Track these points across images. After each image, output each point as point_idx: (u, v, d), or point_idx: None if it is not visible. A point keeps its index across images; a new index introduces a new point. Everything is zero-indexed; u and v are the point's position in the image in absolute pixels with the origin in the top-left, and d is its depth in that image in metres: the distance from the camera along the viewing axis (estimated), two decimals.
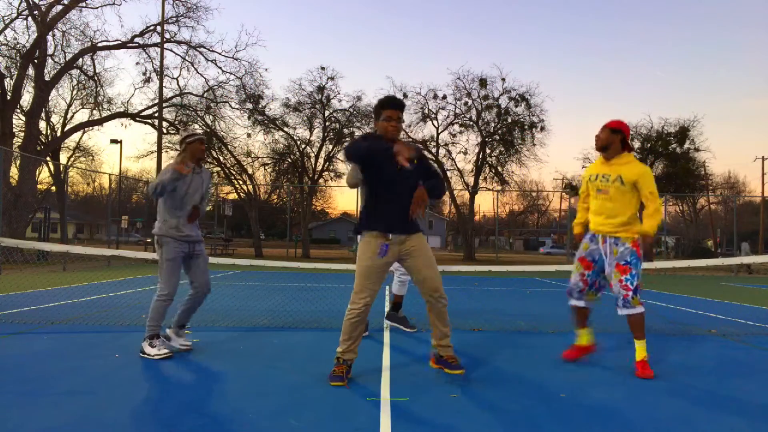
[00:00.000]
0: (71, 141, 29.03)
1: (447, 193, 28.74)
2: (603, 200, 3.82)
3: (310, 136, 27.86)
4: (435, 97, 28.54)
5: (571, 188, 32.16)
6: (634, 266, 3.71)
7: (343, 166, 28.58)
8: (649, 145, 29.55)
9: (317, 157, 27.85)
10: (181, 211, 4.05)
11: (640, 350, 3.75)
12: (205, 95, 25.06)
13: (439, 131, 29.03)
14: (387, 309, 5.73)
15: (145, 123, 24.07)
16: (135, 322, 5.50)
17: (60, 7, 19.10)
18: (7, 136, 17.44)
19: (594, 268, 3.94)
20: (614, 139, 3.79)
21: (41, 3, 18.88)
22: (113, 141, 28.33)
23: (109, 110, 24.06)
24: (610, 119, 3.89)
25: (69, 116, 27.21)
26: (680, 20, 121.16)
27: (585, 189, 4.09)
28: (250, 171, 27.98)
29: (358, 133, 27.45)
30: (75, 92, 25.85)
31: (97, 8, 21.39)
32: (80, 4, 19.76)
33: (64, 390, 3.06)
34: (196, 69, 24.27)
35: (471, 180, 28.90)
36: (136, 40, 22.11)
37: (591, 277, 3.98)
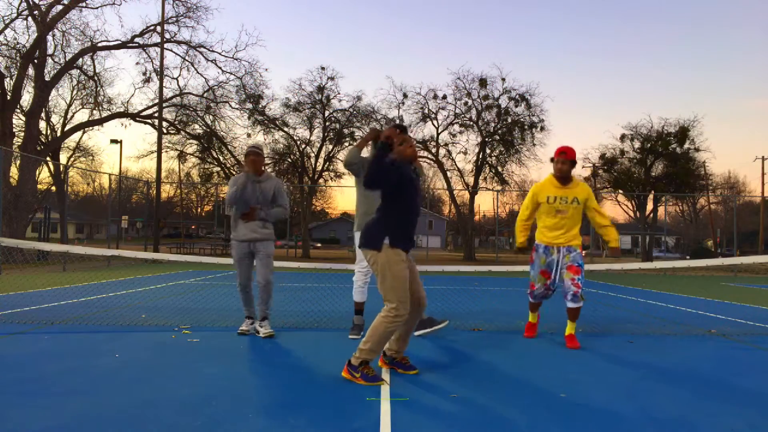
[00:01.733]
0: (71, 141, 29.03)
1: (447, 192, 28.67)
2: (561, 218, 4.57)
3: (310, 136, 27.88)
4: (435, 97, 28.54)
5: None
6: (582, 268, 4.53)
7: (342, 167, 28.59)
8: (649, 145, 29.54)
9: (317, 157, 27.86)
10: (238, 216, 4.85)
11: (571, 327, 4.65)
12: (205, 95, 25.06)
13: (439, 131, 29.04)
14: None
15: (145, 123, 24.06)
16: (135, 322, 5.50)
17: (60, 7, 19.09)
18: (7, 136, 17.43)
19: (551, 278, 4.71)
20: (572, 168, 4.57)
21: (41, 3, 18.87)
22: (113, 141, 28.32)
23: (109, 110, 24.06)
24: (563, 146, 4.59)
25: (69, 116, 27.20)
26: (680, 20, 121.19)
27: (529, 204, 4.72)
28: None
29: (358, 133, 27.47)
30: (75, 92, 25.85)
31: (97, 8, 21.38)
32: (80, 4, 19.75)
33: (64, 390, 3.06)
34: (196, 69, 24.28)
35: (471, 180, 28.90)
36: (136, 40, 22.11)
37: (552, 285, 4.77)
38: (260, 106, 26.77)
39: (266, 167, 5.42)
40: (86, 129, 25.67)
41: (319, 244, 48.53)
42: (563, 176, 4.53)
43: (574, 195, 4.52)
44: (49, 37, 19.58)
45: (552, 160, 4.75)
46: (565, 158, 4.49)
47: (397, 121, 28.40)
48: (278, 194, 4.99)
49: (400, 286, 3.39)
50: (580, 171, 32.61)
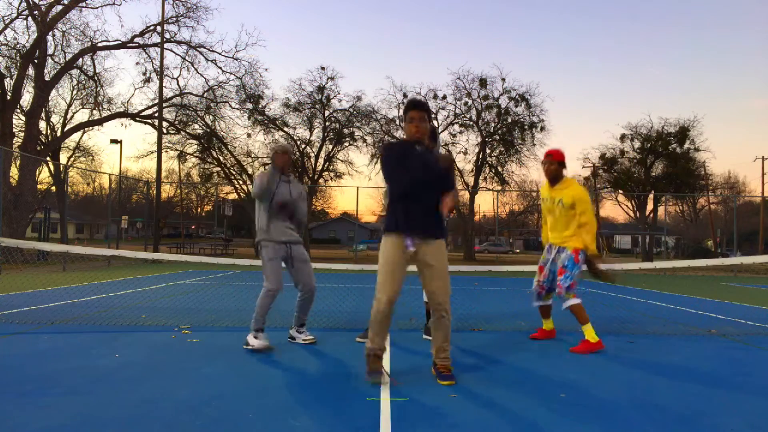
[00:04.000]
0: (71, 141, 29.03)
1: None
2: (553, 218, 4.67)
3: (310, 136, 27.86)
4: (435, 97, 28.53)
5: None
6: (569, 269, 4.51)
7: (342, 166, 28.62)
8: (649, 145, 29.55)
9: (317, 157, 27.85)
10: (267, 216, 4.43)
11: (587, 333, 4.44)
12: (205, 95, 25.04)
13: (439, 131, 28.99)
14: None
15: (145, 123, 24.05)
16: (135, 322, 5.50)
17: (60, 7, 19.08)
18: (7, 136, 17.43)
19: (547, 276, 4.75)
20: (560, 170, 4.60)
21: (41, 3, 18.86)
22: (113, 141, 28.21)
23: (109, 110, 24.04)
24: (552, 149, 4.63)
25: (69, 116, 27.20)
26: (680, 20, 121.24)
27: (542, 204, 4.85)
28: (250, 171, 27.97)
29: (358, 133, 27.48)
30: (75, 92, 25.85)
31: (97, 8, 21.40)
32: (80, 4, 19.75)
33: (64, 390, 3.06)
34: (196, 69, 24.26)
35: (471, 180, 28.89)
36: (136, 40, 22.10)
37: (546, 283, 4.78)
38: (260, 106, 26.77)
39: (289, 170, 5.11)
40: (86, 129, 25.67)
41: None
42: (550, 177, 4.61)
43: (560, 197, 4.55)
44: (49, 37, 19.58)
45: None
46: (551, 159, 4.57)
47: (397, 123, 28.42)
48: (303, 200, 4.65)
49: (380, 272, 3.40)
50: (580, 171, 32.56)
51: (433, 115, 26.95)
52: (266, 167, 4.56)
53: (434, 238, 3.46)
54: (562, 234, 4.60)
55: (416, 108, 3.54)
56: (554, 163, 4.56)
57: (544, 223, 4.87)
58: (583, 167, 32.03)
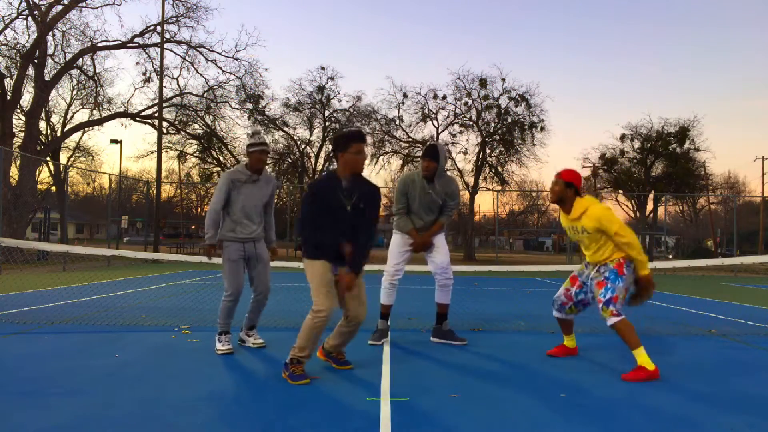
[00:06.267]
0: (71, 141, 29.02)
1: None
2: (583, 246, 4.12)
3: (310, 136, 27.85)
4: (435, 97, 28.52)
5: None
6: (611, 281, 3.88)
7: None
8: (649, 145, 29.56)
9: (317, 157, 27.87)
10: (238, 217, 4.22)
11: (638, 358, 3.72)
12: (205, 95, 25.04)
13: (439, 131, 29.03)
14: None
15: (145, 123, 24.06)
16: (135, 322, 5.50)
17: (60, 7, 19.10)
18: (7, 136, 17.44)
19: (581, 288, 4.21)
20: (568, 192, 4.00)
21: (41, 3, 18.88)
22: (113, 141, 28.29)
23: (109, 110, 24.06)
24: (564, 168, 4.05)
25: (69, 116, 27.20)
26: (681, 20, 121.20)
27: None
28: None
29: None
30: (75, 92, 25.84)
31: (97, 8, 21.40)
32: (80, 4, 19.77)
33: (64, 390, 3.06)
34: (196, 69, 24.27)
35: (471, 180, 28.89)
36: (136, 40, 22.11)
37: (576, 294, 4.23)
38: (260, 106, 26.78)
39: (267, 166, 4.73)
40: (86, 129, 25.69)
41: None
42: (555, 199, 4.09)
43: (582, 225, 3.97)
44: (49, 37, 19.60)
45: None
46: (557, 178, 4.05)
47: (397, 123, 28.42)
48: (272, 198, 4.45)
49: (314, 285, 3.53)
50: (580, 171, 32.48)
51: (433, 116, 26.71)
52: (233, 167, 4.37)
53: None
54: (599, 255, 4.00)
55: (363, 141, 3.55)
56: (559, 183, 4.00)
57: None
58: (583, 167, 32.02)
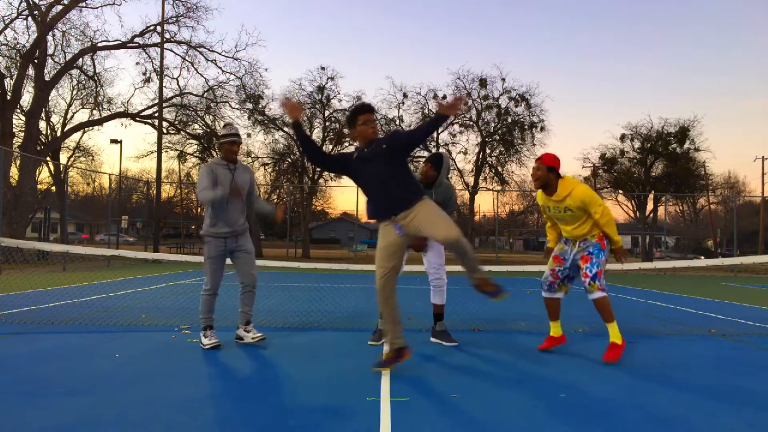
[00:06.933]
0: (71, 141, 28.96)
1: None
2: (564, 223, 4.29)
3: (310, 136, 27.85)
4: (435, 97, 28.52)
5: None
6: (595, 256, 4.12)
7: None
8: (649, 145, 29.56)
9: None
10: (219, 210, 4.32)
11: (611, 333, 4.09)
12: (205, 95, 25.03)
13: (439, 131, 29.03)
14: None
15: (145, 123, 24.05)
16: (135, 322, 5.50)
17: (60, 7, 19.08)
18: (7, 136, 17.43)
19: (564, 264, 4.36)
20: (551, 176, 4.16)
21: (41, 3, 18.86)
22: (113, 141, 28.28)
23: (109, 110, 24.03)
24: (544, 153, 4.24)
25: (69, 116, 27.14)
26: (681, 20, 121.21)
27: (543, 211, 4.48)
28: None
29: None
30: (75, 92, 25.80)
31: (97, 8, 21.39)
32: (80, 4, 19.74)
33: (64, 390, 3.06)
34: (196, 69, 24.24)
35: (471, 180, 28.91)
36: (136, 40, 22.09)
37: (561, 272, 4.37)
38: (260, 106, 26.78)
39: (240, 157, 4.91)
40: (86, 129, 25.64)
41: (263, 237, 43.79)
42: (538, 184, 4.21)
43: (565, 204, 4.14)
44: (49, 37, 19.58)
45: None
46: (539, 163, 4.18)
47: (398, 123, 28.42)
48: (253, 186, 4.60)
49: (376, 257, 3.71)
50: (580, 171, 32.57)
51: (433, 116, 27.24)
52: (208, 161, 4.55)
53: (409, 208, 3.56)
54: (580, 231, 4.19)
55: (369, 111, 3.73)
56: (542, 168, 4.13)
57: (552, 226, 4.53)
58: (583, 167, 32.06)
